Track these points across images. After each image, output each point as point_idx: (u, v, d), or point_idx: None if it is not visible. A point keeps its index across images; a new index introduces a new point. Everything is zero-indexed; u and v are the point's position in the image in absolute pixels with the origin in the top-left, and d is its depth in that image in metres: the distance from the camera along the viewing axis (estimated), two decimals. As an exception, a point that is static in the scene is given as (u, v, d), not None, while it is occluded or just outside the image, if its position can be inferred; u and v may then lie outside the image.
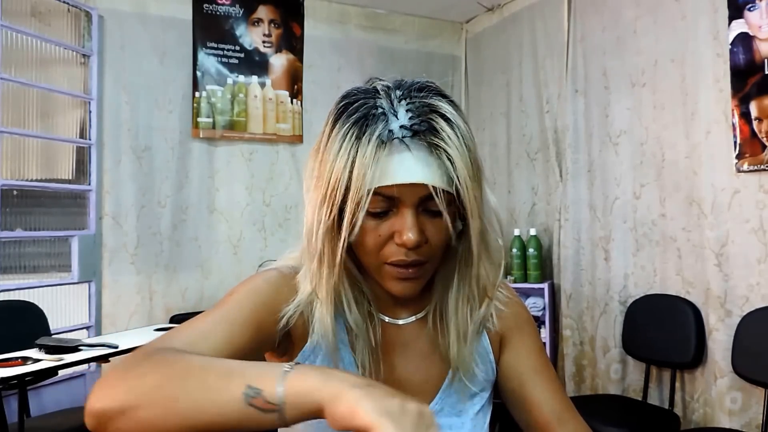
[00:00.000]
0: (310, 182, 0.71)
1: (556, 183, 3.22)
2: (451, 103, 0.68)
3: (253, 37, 3.39)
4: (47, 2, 2.85)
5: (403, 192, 0.65)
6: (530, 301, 3.19)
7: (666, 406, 2.55)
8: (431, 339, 0.79)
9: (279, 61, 3.45)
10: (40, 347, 2.18)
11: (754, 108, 2.28)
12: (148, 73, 3.12)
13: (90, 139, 2.96)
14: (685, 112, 2.54)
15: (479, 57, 3.89)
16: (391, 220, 0.68)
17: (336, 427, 0.49)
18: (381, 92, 0.68)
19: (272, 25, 3.44)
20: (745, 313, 2.27)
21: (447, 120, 0.66)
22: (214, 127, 3.28)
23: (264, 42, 3.41)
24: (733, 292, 2.33)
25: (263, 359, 0.77)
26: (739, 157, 2.32)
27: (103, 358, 2.35)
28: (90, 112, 2.97)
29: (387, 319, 0.79)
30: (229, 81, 3.31)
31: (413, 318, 0.80)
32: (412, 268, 0.69)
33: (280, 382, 0.50)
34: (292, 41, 3.49)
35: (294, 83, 3.48)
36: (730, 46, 2.35)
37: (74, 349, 2.20)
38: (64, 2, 2.87)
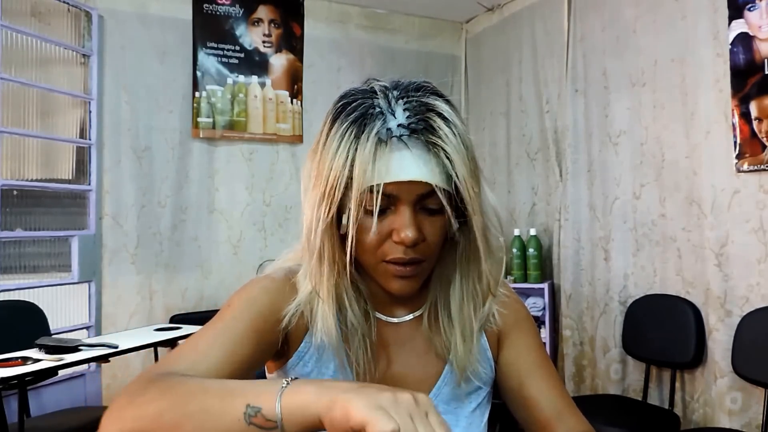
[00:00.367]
0: (309, 182, 0.71)
1: (556, 183, 3.22)
2: (448, 102, 0.69)
3: (253, 37, 3.39)
4: (47, 2, 2.85)
5: (402, 190, 0.66)
6: (530, 301, 3.19)
7: (666, 406, 2.55)
8: (427, 337, 0.79)
9: (279, 61, 3.45)
10: (40, 347, 2.18)
11: (754, 108, 2.28)
12: (148, 73, 3.12)
13: (90, 139, 2.96)
14: (685, 112, 2.54)
15: (479, 57, 3.89)
16: (390, 218, 0.68)
17: None
18: (378, 92, 0.69)
19: (272, 25, 3.44)
20: (745, 313, 2.27)
21: (444, 119, 0.66)
22: (214, 127, 3.28)
23: (264, 42, 3.41)
24: (733, 292, 2.33)
25: (265, 361, 0.77)
26: (739, 157, 2.32)
27: (103, 358, 2.35)
28: (90, 112, 2.97)
29: (383, 317, 0.79)
30: (229, 81, 3.31)
31: (410, 316, 0.80)
32: (410, 267, 0.69)
33: (278, 398, 0.51)
34: (292, 41, 3.49)
35: (294, 83, 3.48)
36: (730, 46, 2.35)
37: (74, 349, 2.20)
38: (64, 2, 2.87)
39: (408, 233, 0.66)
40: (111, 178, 3.01)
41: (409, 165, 0.66)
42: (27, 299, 2.64)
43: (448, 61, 3.97)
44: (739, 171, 2.32)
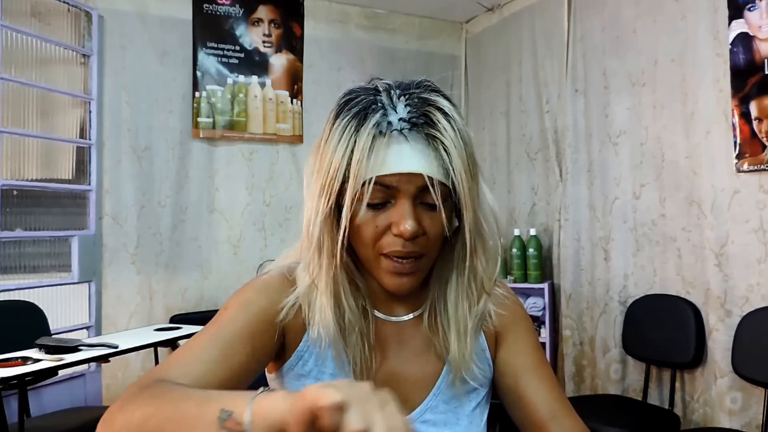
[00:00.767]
0: (311, 177, 0.72)
1: (556, 183, 3.22)
2: (448, 99, 0.70)
3: (253, 37, 3.39)
4: (47, 2, 2.85)
5: (401, 182, 0.67)
6: (530, 301, 3.19)
7: (666, 406, 2.55)
8: (426, 336, 0.79)
9: (279, 61, 3.45)
10: (40, 347, 2.18)
11: (754, 108, 2.28)
12: (148, 73, 3.12)
13: (90, 139, 2.96)
14: (685, 112, 2.54)
15: (479, 57, 3.89)
16: (389, 211, 0.69)
17: (299, 427, 0.47)
18: (381, 89, 0.70)
19: (272, 25, 3.44)
20: (745, 313, 2.27)
21: (444, 113, 0.68)
22: (214, 127, 3.28)
23: (264, 42, 3.41)
24: (733, 292, 2.33)
25: (266, 365, 0.78)
26: (739, 157, 2.32)
27: (103, 358, 2.35)
28: (90, 112, 2.97)
29: (382, 316, 0.79)
30: (229, 81, 3.31)
31: (410, 315, 0.80)
32: (408, 262, 0.70)
33: (250, 403, 0.51)
34: (292, 41, 3.49)
35: (294, 83, 3.48)
36: (730, 46, 2.35)
37: (74, 349, 2.20)
38: (64, 2, 2.87)
39: (407, 225, 0.67)
40: (111, 178, 3.01)
41: (407, 157, 0.67)
42: (27, 299, 2.64)
43: (448, 61, 3.97)
44: (739, 171, 2.32)
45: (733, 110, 2.34)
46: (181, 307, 3.16)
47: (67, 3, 2.88)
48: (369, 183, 0.66)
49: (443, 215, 0.69)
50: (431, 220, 0.69)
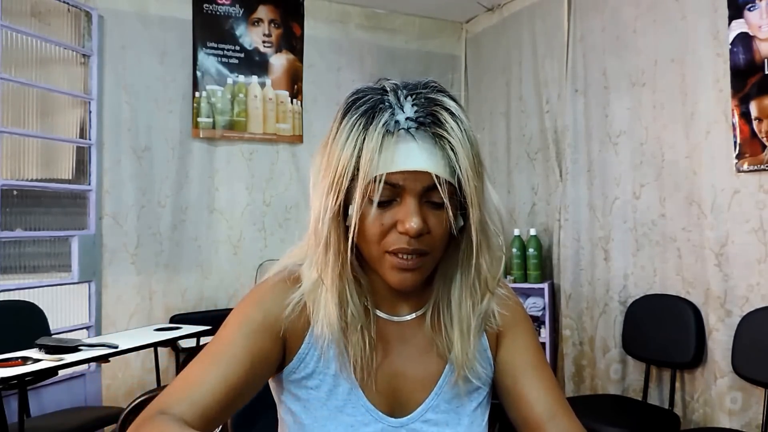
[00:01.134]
0: (318, 175, 0.73)
1: (556, 183, 3.22)
2: (455, 100, 0.71)
3: (253, 37, 3.39)
4: (47, 2, 2.85)
5: (408, 181, 0.68)
6: (530, 301, 3.19)
7: (666, 406, 2.55)
8: (429, 336, 0.79)
9: (279, 61, 3.45)
10: (40, 347, 2.18)
11: (754, 108, 2.28)
12: (148, 73, 3.12)
13: (90, 139, 2.96)
14: (685, 112, 2.54)
15: (479, 57, 3.89)
16: (395, 209, 0.69)
17: None
18: (389, 89, 0.71)
19: (272, 25, 3.44)
20: (745, 313, 2.27)
21: (451, 113, 0.68)
22: (214, 127, 3.28)
23: (264, 42, 3.41)
24: (733, 292, 2.33)
25: (268, 378, 0.79)
26: (739, 157, 2.32)
27: (103, 358, 2.35)
28: (90, 112, 2.97)
29: (385, 315, 0.79)
30: (229, 81, 3.31)
31: (412, 315, 0.81)
32: (412, 259, 0.70)
33: None
34: (292, 41, 3.49)
35: (294, 83, 3.49)
36: (730, 46, 2.35)
37: (74, 349, 2.20)
38: (64, 2, 2.87)
39: (412, 223, 0.67)
40: (111, 178, 3.01)
41: (414, 155, 0.67)
42: (27, 299, 2.64)
43: (448, 61, 3.97)
44: (739, 171, 2.32)
45: (733, 110, 2.34)
46: (181, 307, 3.16)
47: (67, 3, 2.88)
48: (378, 181, 0.67)
49: (449, 214, 0.69)
50: (436, 219, 0.70)
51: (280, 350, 0.76)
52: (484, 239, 0.73)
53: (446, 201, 0.68)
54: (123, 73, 3.06)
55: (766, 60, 2.25)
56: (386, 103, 0.69)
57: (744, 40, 2.31)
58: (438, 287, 0.79)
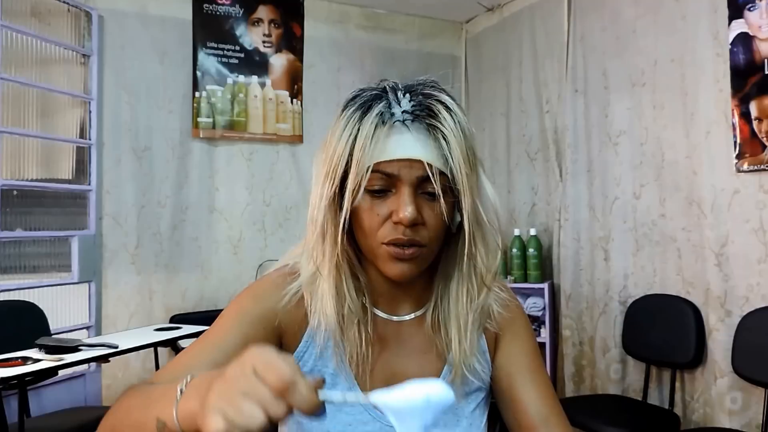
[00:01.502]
0: (318, 169, 0.74)
1: (556, 183, 3.22)
2: (451, 96, 0.72)
3: (253, 37, 3.39)
4: (47, 2, 2.85)
5: (402, 170, 0.69)
6: (530, 301, 3.19)
7: (666, 406, 2.55)
8: (428, 336, 0.79)
9: (279, 61, 3.45)
10: (40, 347, 2.18)
11: (754, 108, 2.28)
12: (148, 73, 3.12)
13: (90, 139, 2.96)
14: (685, 112, 2.54)
15: (479, 57, 3.89)
16: (390, 200, 0.70)
17: None
18: (388, 87, 0.73)
19: (272, 25, 3.44)
20: (745, 313, 2.27)
21: (446, 107, 0.70)
22: (214, 127, 3.28)
23: (264, 42, 3.41)
24: (733, 292, 2.33)
25: None
26: (739, 157, 2.32)
27: (103, 358, 2.35)
28: (90, 112, 2.97)
29: (383, 315, 0.80)
30: (229, 81, 3.31)
31: (411, 315, 0.80)
32: (409, 250, 0.70)
33: (174, 410, 0.53)
34: (292, 41, 3.49)
35: (294, 83, 3.49)
36: (730, 46, 2.35)
37: (74, 349, 2.20)
38: (64, 2, 2.87)
39: (406, 212, 0.68)
40: (111, 178, 3.01)
41: (408, 145, 0.69)
42: (27, 299, 2.64)
43: (448, 61, 3.97)
44: (739, 171, 2.32)
45: (733, 110, 2.34)
46: (181, 307, 3.16)
47: (67, 3, 2.88)
48: (368, 169, 0.68)
49: (442, 204, 0.70)
50: (432, 211, 0.70)
51: (276, 343, 0.76)
52: (478, 231, 0.73)
53: (438, 190, 0.68)
54: (123, 73, 3.06)
55: (766, 60, 2.25)
56: (383, 98, 0.71)
57: (744, 40, 2.31)
58: (438, 286, 0.79)
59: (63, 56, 2.96)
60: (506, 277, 3.21)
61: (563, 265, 3.10)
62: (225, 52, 3.31)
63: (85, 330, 2.93)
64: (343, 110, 0.72)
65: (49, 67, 2.92)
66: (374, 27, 3.76)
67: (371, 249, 0.72)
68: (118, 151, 3.03)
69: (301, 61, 3.51)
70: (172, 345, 2.90)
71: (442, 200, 0.70)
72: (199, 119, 3.24)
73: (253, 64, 3.38)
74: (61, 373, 2.37)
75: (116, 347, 2.25)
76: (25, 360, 2.04)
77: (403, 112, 0.70)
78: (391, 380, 0.77)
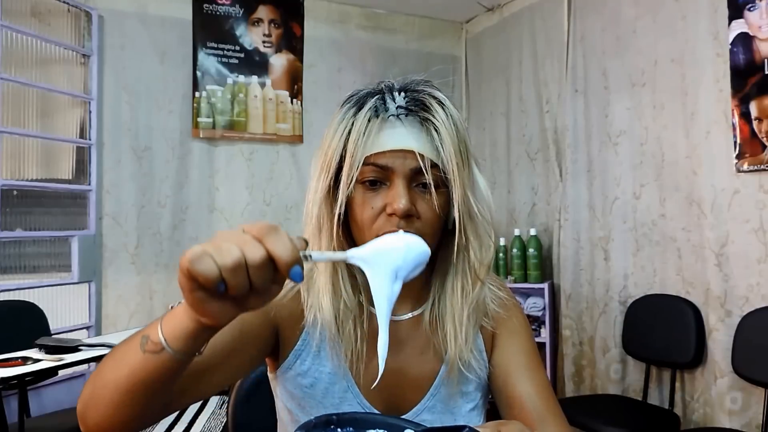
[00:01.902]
0: (315, 166, 0.75)
1: (555, 183, 3.22)
2: (444, 95, 0.74)
3: (253, 37, 3.39)
4: (47, 2, 2.85)
5: (395, 162, 0.70)
6: (530, 301, 3.19)
7: (666, 406, 2.55)
8: (426, 336, 0.80)
9: (279, 61, 3.45)
10: (40, 347, 2.18)
11: (754, 108, 2.28)
12: (148, 73, 3.12)
13: (90, 139, 2.96)
14: (685, 112, 2.54)
15: (479, 57, 3.89)
16: (384, 192, 0.71)
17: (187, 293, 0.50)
18: (384, 86, 0.74)
19: (272, 25, 3.44)
20: (745, 313, 2.27)
21: (439, 102, 0.72)
22: (214, 127, 3.28)
23: (264, 42, 3.41)
24: (733, 292, 2.33)
25: (258, 362, 0.78)
26: (739, 157, 2.32)
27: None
28: (90, 112, 2.97)
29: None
30: (229, 81, 3.31)
31: (408, 315, 0.81)
32: None
33: (160, 324, 0.55)
34: (292, 41, 3.49)
35: (294, 83, 3.48)
36: (730, 46, 2.35)
37: (74, 349, 2.20)
38: (64, 2, 2.87)
39: (400, 204, 0.68)
40: (111, 178, 3.01)
41: (400, 137, 0.70)
42: (27, 299, 2.64)
43: (448, 62, 3.97)
44: (739, 171, 2.32)
45: (733, 110, 2.34)
46: (181, 307, 3.16)
47: (67, 3, 2.88)
48: (361, 162, 0.69)
49: (434, 195, 0.71)
50: (426, 204, 0.71)
51: (272, 334, 0.76)
52: (470, 223, 0.74)
53: (429, 179, 0.69)
54: (123, 73, 3.06)
55: (766, 60, 2.25)
56: (378, 95, 0.72)
57: (744, 40, 2.31)
58: (435, 284, 0.79)
59: (63, 56, 2.96)
60: (506, 277, 3.21)
61: (563, 265, 3.10)
62: (225, 52, 3.31)
63: (85, 330, 2.93)
64: (341, 108, 0.74)
65: (49, 67, 2.92)
66: (374, 27, 3.76)
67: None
68: (118, 151, 3.03)
69: (301, 61, 3.51)
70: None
71: (433, 191, 0.70)
72: (199, 119, 3.24)
73: (253, 64, 3.38)
74: (61, 373, 2.37)
75: (116, 347, 2.25)
76: (25, 360, 2.04)
77: (397, 107, 0.71)
78: (388, 380, 0.77)
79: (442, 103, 0.71)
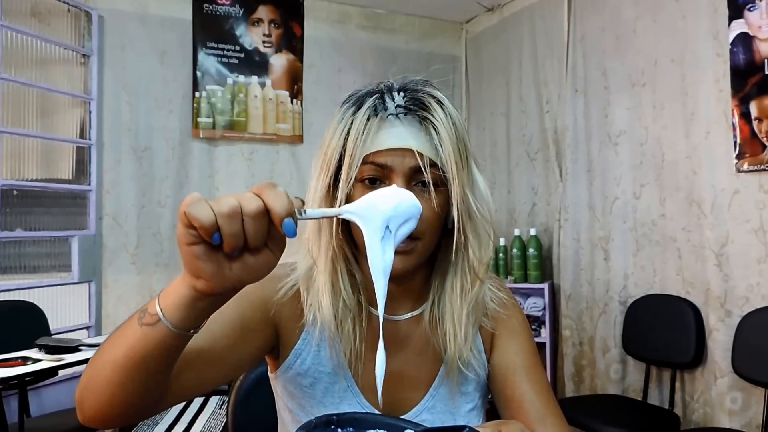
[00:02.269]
0: (315, 166, 0.75)
1: (556, 183, 3.22)
2: (443, 95, 0.74)
3: (253, 37, 3.39)
4: (47, 2, 2.85)
5: (394, 160, 0.70)
6: (530, 301, 3.19)
7: (666, 406, 2.55)
8: (425, 336, 0.80)
9: (279, 61, 3.45)
10: (40, 347, 2.18)
11: (754, 108, 2.28)
12: (148, 73, 3.12)
13: (90, 139, 2.96)
14: (685, 112, 2.54)
15: (479, 57, 3.89)
16: None
17: (202, 291, 0.51)
18: (383, 86, 0.75)
19: (272, 25, 3.44)
20: (745, 313, 2.27)
21: (438, 102, 0.72)
22: (214, 127, 3.28)
23: (264, 42, 3.41)
24: (733, 292, 2.33)
25: (257, 359, 0.78)
26: (739, 157, 2.32)
27: (103, 358, 2.34)
28: (90, 112, 2.97)
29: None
30: (229, 81, 3.31)
31: (408, 315, 0.81)
32: (403, 242, 0.70)
33: (158, 297, 0.55)
34: (292, 41, 3.49)
35: (294, 83, 3.49)
36: (730, 46, 2.35)
37: (74, 349, 2.20)
38: (64, 2, 2.87)
39: None
40: (111, 178, 3.01)
41: (399, 136, 0.70)
42: (27, 299, 2.64)
43: (448, 62, 3.97)
44: (739, 171, 2.32)
45: (733, 110, 2.34)
46: (181, 307, 3.16)
47: (67, 3, 2.88)
48: (360, 161, 0.69)
49: (432, 193, 0.71)
50: (426, 203, 0.71)
51: (272, 333, 0.76)
52: (469, 222, 0.74)
53: (428, 178, 0.69)
54: (123, 73, 3.06)
55: (766, 60, 2.25)
56: (377, 94, 0.73)
57: (744, 40, 2.31)
58: (435, 284, 0.79)
59: (63, 56, 2.96)
60: (506, 278, 3.21)
61: (563, 265, 3.10)
62: (225, 52, 3.31)
63: (85, 330, 2.93)
64: (340, 108, 0.74)
65: (49, 67, 2.92)
66: (374, 27, 3.76)
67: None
68: (118, 151, 3.03)
69: (301, 61, 3.51)
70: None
71: (432, 190, 0.70)
72: (199, 119, 3.24)
73: (253, 64, 3.38)
74: (61, 373, 2.37)
75: (116, 347, 2.25)
76: (25, 360, 2.04)
77: (396, 107, 0.71)
78: (387, 380, 0.77)
79: (441, 103, 0.72)
